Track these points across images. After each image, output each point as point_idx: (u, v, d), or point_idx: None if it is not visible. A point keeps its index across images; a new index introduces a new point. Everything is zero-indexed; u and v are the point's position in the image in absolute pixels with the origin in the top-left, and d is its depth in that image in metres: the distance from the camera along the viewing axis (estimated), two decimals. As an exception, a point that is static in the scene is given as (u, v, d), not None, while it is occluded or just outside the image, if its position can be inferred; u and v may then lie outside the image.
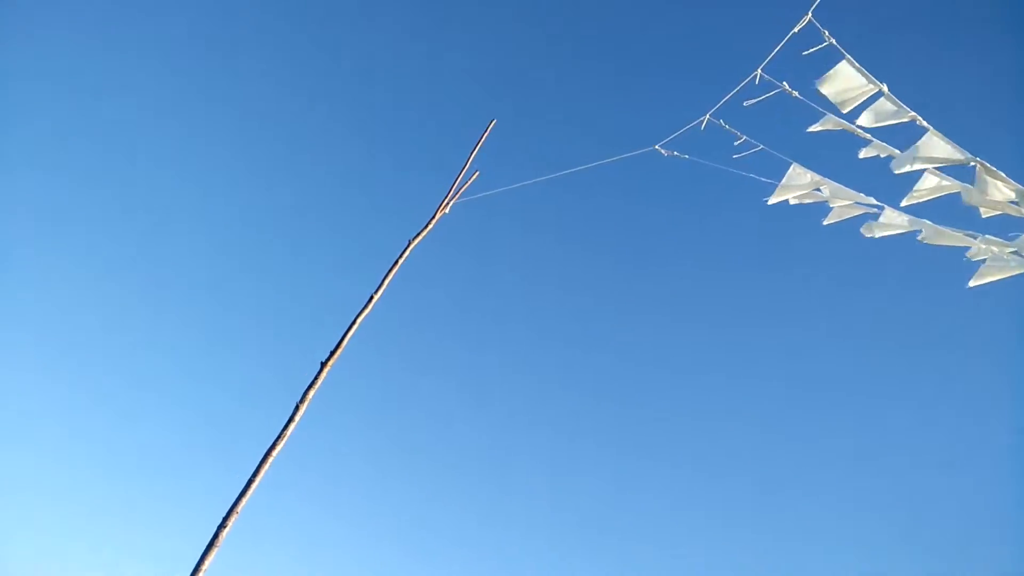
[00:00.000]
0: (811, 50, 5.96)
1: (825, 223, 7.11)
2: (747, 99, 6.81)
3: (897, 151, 6.02)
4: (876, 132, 6.20)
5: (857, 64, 5.74)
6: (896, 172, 5.72)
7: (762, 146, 7.11)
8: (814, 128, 6.63)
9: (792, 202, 7.18)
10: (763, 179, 7.22)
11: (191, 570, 4.25)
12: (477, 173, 7.42)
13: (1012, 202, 5.54)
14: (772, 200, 7.21)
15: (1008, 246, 5.91)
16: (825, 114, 6.34)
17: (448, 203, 7.24)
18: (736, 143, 7.15)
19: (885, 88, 5.73)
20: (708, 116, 7.19)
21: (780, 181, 7.04)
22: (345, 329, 6.48)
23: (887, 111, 5.78)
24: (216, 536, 4.51)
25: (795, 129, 6.78)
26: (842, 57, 5.81)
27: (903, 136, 5.87)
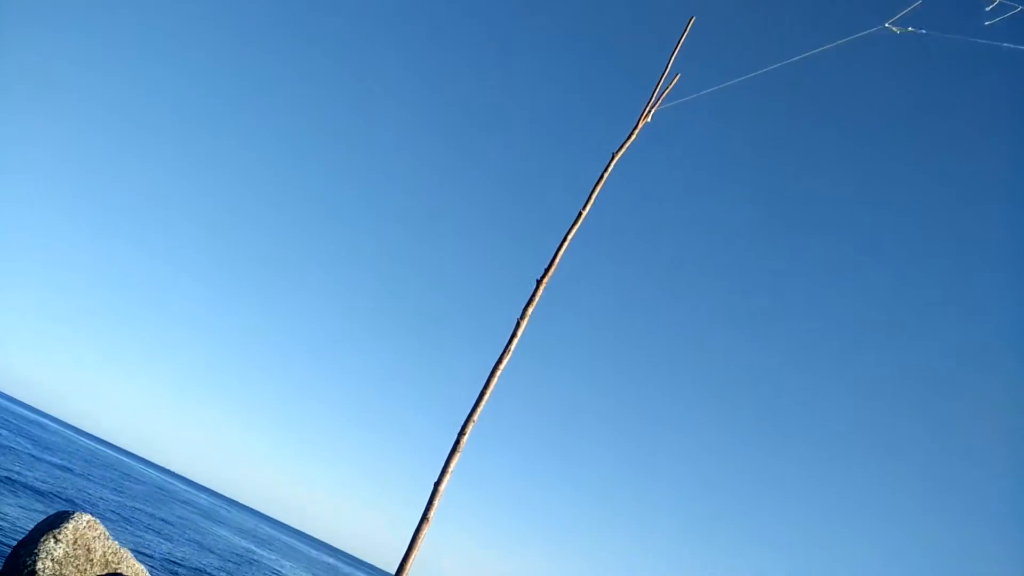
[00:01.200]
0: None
1: None
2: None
3: None
4: None
5: None
6: None
7: (1022, 7, 5.88)
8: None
9: None
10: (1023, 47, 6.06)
11: (439, 471, 5.60)
12: (678, 76, 7.21)
13: None
14: None
15: None
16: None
17: (650, 111, 7.24)
18: (988, 8, 6.00)
19: None
20: (951, -21, 6.08)
21: (1048, 46, 5.93)
22: (557, 246, 7.15)
23: None
24: (457, 442, 5.81)
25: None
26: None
27: None
